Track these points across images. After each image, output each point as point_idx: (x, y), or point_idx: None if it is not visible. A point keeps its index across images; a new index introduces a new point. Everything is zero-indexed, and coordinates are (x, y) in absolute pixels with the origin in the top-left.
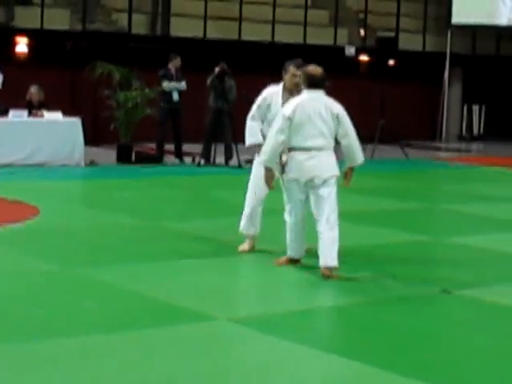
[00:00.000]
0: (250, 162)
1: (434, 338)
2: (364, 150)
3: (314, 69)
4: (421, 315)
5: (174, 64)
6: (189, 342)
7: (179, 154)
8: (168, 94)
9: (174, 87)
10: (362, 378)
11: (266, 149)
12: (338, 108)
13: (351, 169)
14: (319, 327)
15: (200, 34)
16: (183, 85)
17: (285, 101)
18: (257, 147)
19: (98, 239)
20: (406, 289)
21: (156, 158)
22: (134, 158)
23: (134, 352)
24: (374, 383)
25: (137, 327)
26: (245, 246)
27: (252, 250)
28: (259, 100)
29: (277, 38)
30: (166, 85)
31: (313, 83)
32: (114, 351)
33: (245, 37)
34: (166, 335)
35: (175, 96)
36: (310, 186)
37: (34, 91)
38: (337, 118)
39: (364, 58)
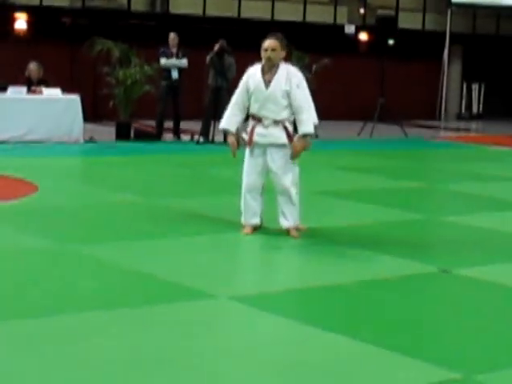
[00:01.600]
0: None
1: (432, 317)
2: (363, 128)
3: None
4: (419, 294)
5: (171, 41)
6: (188, 320)
7: (177, 132)
8: (167, 72)
9: (173, 64)
10: (359, 356)
11: None
12: None
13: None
14: (318, 306)
15: (199, 11)
16: (184, 62)
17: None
18: (229, 136)
19: (96, 217)
20: (405, 268)
21: (155, 136)
22: (132, 135)
23: (132, 329)
24: (372, 361)
25: (135, 305)
26: (247, 230)
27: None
28: (240, 86)
29: (276, 16)
30: (163, 62)
31: None
32: (111, 329)
33: (244, 14)
34: (165, 313)
35: (174, 74)
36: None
37: (33, 68)
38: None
39: (364, 36)
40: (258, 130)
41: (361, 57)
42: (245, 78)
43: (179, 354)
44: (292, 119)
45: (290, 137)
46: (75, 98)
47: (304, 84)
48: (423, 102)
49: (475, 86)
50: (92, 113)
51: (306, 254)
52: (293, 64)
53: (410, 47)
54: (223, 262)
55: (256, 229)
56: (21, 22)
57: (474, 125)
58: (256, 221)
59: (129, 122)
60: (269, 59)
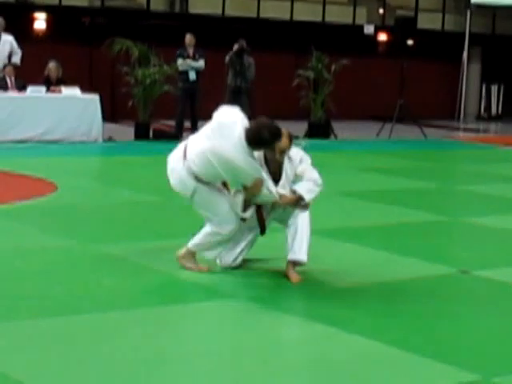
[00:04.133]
0: None
1: (451, 319)
2: (382, 129)
3: None
4: (439, 296)
5: (187, 42)
6: (207, 319)
7: (194, 133)
8: (184, 73)
9: (189, 66)
10: (379, 357)
11: None
12: None
13: None
14: (339, 307)
15: (219, 11)
16: (201, 64)
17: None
18: None
19: (115, 216)
20: (424, 269)
21: (174, 136)
22: (151, 134)
23: (151, 327)
24: (391, 362)
25: (154, 304)
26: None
27: None
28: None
29: (296, 16)
30: (180, 63)
31: None
32: (131, 327)
33: (264, 14)
34: (183, 311)
35: (191, 75)
36: None
37: (52, 67)
38: None
39: (383, 36)
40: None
41: (380, 57)
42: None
43: (196, 352)
44: None
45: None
46: (94, 98)
47: (305, 157)
48: (442, 103)
49: (494, 87)
50: (111, 112)
51: (324, 254)
52: (312, 65)
53: (429, 48)
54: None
55: None
56: (40, 22)
57: (493, 126)
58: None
59: (148, 122)
60: (276, 160)
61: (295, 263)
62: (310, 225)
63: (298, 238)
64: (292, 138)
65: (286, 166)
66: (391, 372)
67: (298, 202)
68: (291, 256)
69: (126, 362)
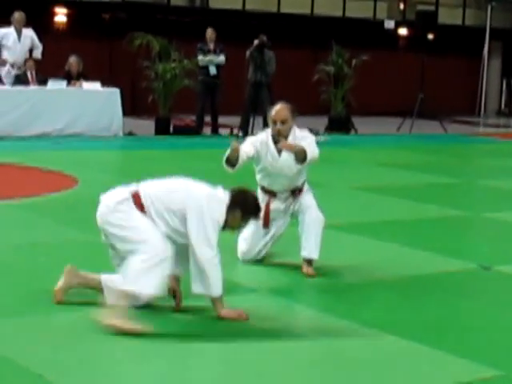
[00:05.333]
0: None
1: (473, 314)
2: (402, 124)
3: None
4: (460, 291)
5: (208, 37)
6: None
7: (215, 127)
8: (205, 68)
9: (210, 61)
10: (400, 352)
11: None
12: None
13: None
14: (358, 301)
15: (239, 6)
16: (221, 58)
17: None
18: None
19: None
20: (445, 264)
21: (194, 130)
22: (172, 129)
23: (171, 320)
24: (412, 358)
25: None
26: None
27: None
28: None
29: (316, 11)
30: (200, 58)
31: None
32: (151, 320)
33: (284, 9)
34: (205, 306)
35: (212, 70)
36: None
37: (73, 61)
38: None
39: (403, 31)
40: (275, 205)
41: (400, 52)
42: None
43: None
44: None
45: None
46: (115, 92)
47: (311, 139)
48: (463, 98)
49: None
50: (131, 107)
51: (346, 249)
52: (333, 60)
53: (449, 42)
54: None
55: None
56: (61, 16)
57: None
58: None
59: (168, 117)
60: (279, 133)
61: (308, 261)
62: (320, 219)
63: (308, 236)
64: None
65: (290, 138)
66: (410, 367)
67: (296, 153)
68: (303, 254)
69: (144, 353)
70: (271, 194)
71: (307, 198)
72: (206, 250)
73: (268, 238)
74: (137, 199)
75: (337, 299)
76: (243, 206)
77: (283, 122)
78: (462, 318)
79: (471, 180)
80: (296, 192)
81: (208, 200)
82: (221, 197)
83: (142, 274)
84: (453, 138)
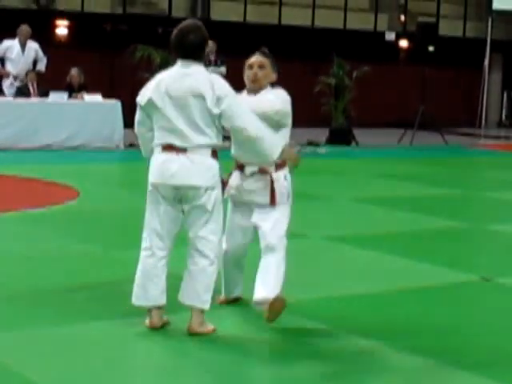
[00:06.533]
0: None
1: (472, 326)
2: (403, 136)
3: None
4: (461, 303)
5: (209, 49)
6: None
7: None
8: None
9: (211, 72)
10: (400, 365)
11: None
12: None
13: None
14: (357, 314)
15: (240, 18)
16: (222, 70)
17: None
18: None
19: (138, 222)
20: (446, 276)
21: None
22: None
23: (177, 331)
24: (413, 371)
25: (179, 310)
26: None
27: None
28: None
29: (317, 23)
30: None
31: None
32: (155, 332)
33: (285, 21)
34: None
35: None
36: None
37: (74, 73)
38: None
39: (404, 43)
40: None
41: (401, 64)
42: None
43: None
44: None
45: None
46: (116, 104)
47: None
48: (463, 110)
49: None
50: (132, 119)
51: (345, 261)
52: (333, 72)
53: (450, 54)
54: None
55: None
56: (62, 29)
57: None
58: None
59: None
60: (255, 79)
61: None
62: (278, 260)
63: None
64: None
65: (262, 92)
66: (413, 380)
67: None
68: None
69: (150, 366)
70: (240, 168)
71: (272, 214)
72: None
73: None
74: None
75: (337, 311)
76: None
77: (261, 67)
78: (463, 329)
79: (472, 192)
80: (265, 171)
81: None
82: None
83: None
84: (453, 149)
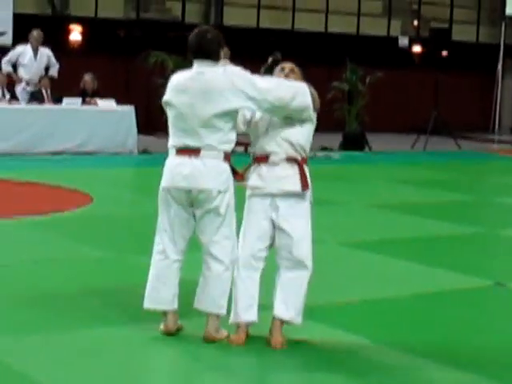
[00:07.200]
0: None
1: (486, 331)
2: (417, 141)
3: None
4: (475, 308)
5: (222, 55)
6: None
7: None
8: None
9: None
10: (412, 369)
11: None
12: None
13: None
14: (373, 319)
15: (253, 24)
16: None
17: None
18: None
19: (152, 227)
20: (460, 281)
21: None
22: None
23: (187, 339)
24: (424, 375)
25: (191, 315)
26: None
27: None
28: None
29: (330, 28)
30: None
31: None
32: (167, 339)
33: (298, 26)
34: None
35: None
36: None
37: (88, 79)
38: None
39: (417, 48)
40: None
41: (414, 69)
42: None
43: None
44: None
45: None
46: (129, 110)
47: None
48: (477, 115)
49: None
50: (146, 124)
51: (362, 266)
52: (347, 77)
53: (463, 59)
54: None
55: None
56: (75, 34)
57: None
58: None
59: None
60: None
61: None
62: (303, 277)
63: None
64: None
65: None
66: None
67: None
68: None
69: (162, 373)
70: (263, 160)
71: (296, 224)
72: None
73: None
74: None
75: (351, 316)
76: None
77: (292, 71)
78: (477, 334)
79: (486, 197)
80: (293, 159)
81: None
82: None
83: None
84: (467, 155)
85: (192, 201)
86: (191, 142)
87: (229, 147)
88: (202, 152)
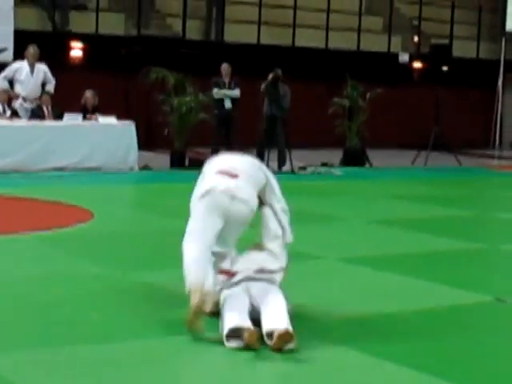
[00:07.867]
0: (304, 168)
1: (485, 348)
2: (417, 157)
3: None
4: (475, 324)
5: (224, 72)
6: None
7: None
8: (220, 101)
9: (224, 94)
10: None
11: None
12: None
13: None
14: (375, 334)
15: (254, 40)
16: (235, 92)
17: None
18: None
19: (151, 244)
20: (460, 297)
21: None
22: (187, 163)
23: (188, 356)
24: None
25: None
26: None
27: None
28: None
29: (330, 45)
30: (215, 92)
31: None
32: (168, 355)
33: (299, 43)
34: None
35: (227, 103)
36: None
37: (89, 95)
38: None
39: (418, 64)
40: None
41: (415, 85)
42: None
43: None
44: None
45: None
46: (130, 126)
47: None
48: (477, 131)
49: None
50: (146, 140)
51: (361, 281)
52: (347, 93)
53: (464, 75)
54: None
55: None
56: (76, 51)
57: None
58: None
59: (183, 150)
60: None
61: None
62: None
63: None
64: None
65: None
66: None
67: None
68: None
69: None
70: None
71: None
72: None
73: None
74: None
75: (351, 331)
76: None
77: None
78: (477, 350)
79: (486, 213)
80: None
81: None
82: None
83: None
84: (467, 170)
85: None
86: None
87: None
88: None
